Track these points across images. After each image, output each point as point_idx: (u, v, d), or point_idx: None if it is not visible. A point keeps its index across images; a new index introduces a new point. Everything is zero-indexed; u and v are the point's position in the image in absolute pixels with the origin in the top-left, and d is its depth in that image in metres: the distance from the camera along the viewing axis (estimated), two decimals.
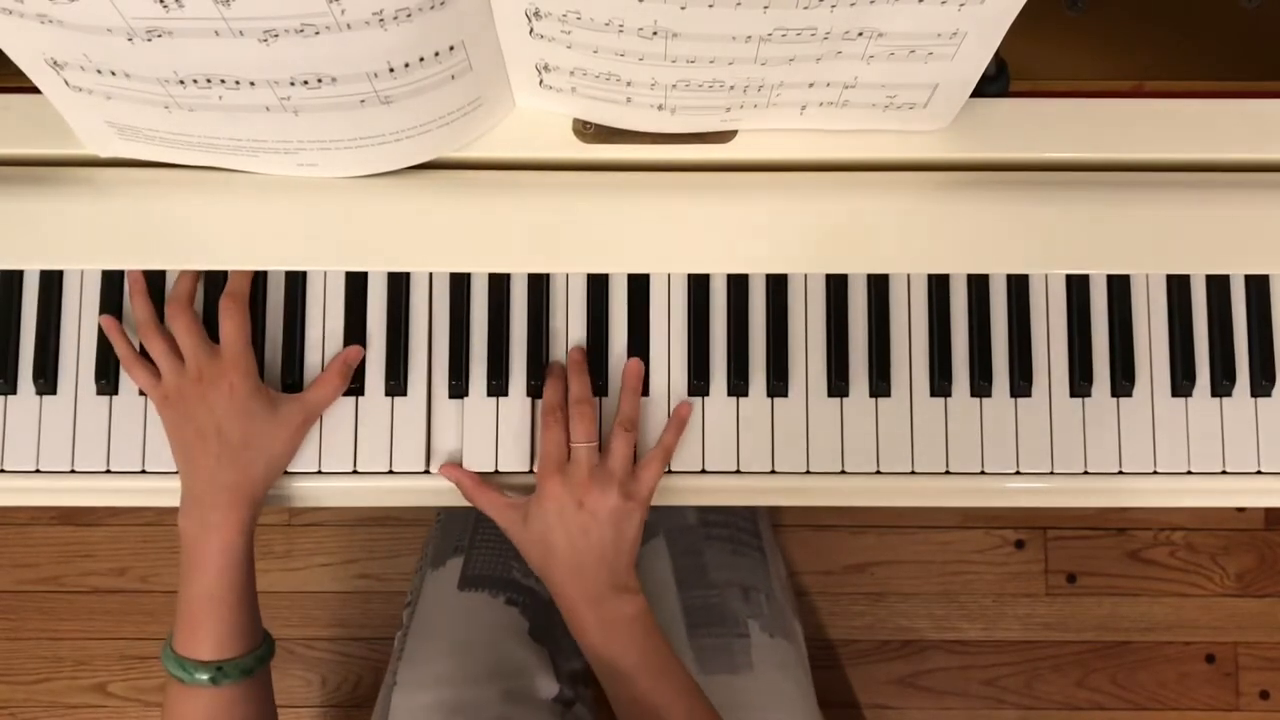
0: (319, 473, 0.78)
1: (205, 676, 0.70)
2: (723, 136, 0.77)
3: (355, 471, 0.77)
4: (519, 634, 0.92)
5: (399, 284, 0.79)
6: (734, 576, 0.96)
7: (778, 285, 0.79)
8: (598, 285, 0.79)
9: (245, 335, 0.73)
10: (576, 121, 0.76)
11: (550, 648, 0.93)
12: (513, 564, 0.96)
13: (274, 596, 1.50)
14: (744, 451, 0.78)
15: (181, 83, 0.63)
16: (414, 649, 0.92)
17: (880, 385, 0.78)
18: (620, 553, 0.73)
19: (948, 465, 0.78)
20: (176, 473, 0.76)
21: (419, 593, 0.97)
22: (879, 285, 0.79)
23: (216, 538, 0.71)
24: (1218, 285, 0.80)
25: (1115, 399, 0.79)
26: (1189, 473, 0.79)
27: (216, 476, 0.72)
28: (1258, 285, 0.80)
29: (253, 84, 0.63)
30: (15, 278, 0.78)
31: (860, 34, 0.63)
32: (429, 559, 1.00)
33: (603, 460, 0.74)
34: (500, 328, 0.78)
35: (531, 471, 0.78)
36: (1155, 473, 0.78)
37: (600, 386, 0.78)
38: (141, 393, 0.77)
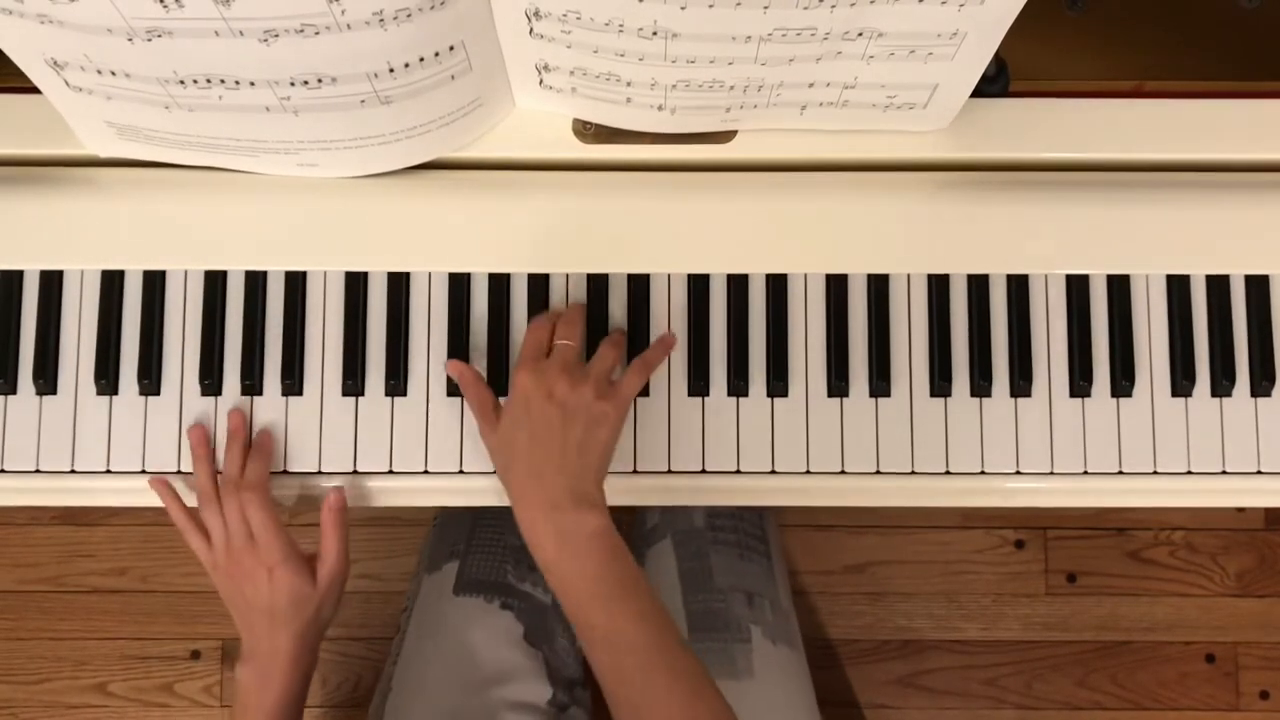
0: (319, 473, 0.78)
1: None
2: (723, 136, 0.77)
3: (355, 472, 0.77)
4: (514, 639, 0.92)
5: (399, 284, 0.79)
6: (739, 582, 0.96)
7: (778, 285, 0.79)
8: (598, 285, 0.79)
9: (275, 523, 0.74)
10: (576, 121, 0.76)
11: (545, 652, 0.93)
12: (508, 568, 0.95)
13: None
14: (744, 451, 0.78)
15: (181, 83, 0.63)
16: (409, 654, 0.92)
17: (880, 385, 0.78)
18: (586, 456, 0.70)
19: (948, 465, 0.78)
20: (176, 472, 0.77)
21: (415, 597, 0.97)
22: (879, 285, 0.79)
23: (275, 689, 0.74)
24: (1218, 285, 0.79)
25: (1115, 399, 0.79)
26: (1189, 473, 0.78)
27: (274, 641, 0.74)
28: (1258, 285, 0.80)
29: (253, 84, 0.63)
30: (15, 278, 0.78)
31: (860, 34, 0.63)
32: (425, 564, 1.00)
33: (584, 362, 0.73)
34: (500, 328, 0.78)
35: None
36: (1155, 473, 0.78)
37: None
38: (142, 393, 0.77)
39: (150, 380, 0.77)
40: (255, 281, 0.78)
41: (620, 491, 0.76)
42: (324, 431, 0.78)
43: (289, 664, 0.75)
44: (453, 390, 0.78)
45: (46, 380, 0.77)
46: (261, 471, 0.75)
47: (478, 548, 0.97)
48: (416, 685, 0.89)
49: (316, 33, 0.59)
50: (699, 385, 0.78)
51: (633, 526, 1.06)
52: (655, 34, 0.62)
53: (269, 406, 0.78)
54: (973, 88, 0.70)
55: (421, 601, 0.96)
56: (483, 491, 0.77)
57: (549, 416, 0.70)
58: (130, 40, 0.59)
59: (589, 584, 0.68)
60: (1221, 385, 0.79)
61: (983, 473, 0.78)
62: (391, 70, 0.63)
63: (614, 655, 0.67)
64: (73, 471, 0.77)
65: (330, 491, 0.77)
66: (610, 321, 0.79)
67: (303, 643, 0.75)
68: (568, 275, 0.79)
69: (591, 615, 0.68)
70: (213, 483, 0.76)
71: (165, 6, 0.56)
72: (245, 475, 0.75)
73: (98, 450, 0.77)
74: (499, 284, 0.79)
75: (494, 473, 0.77)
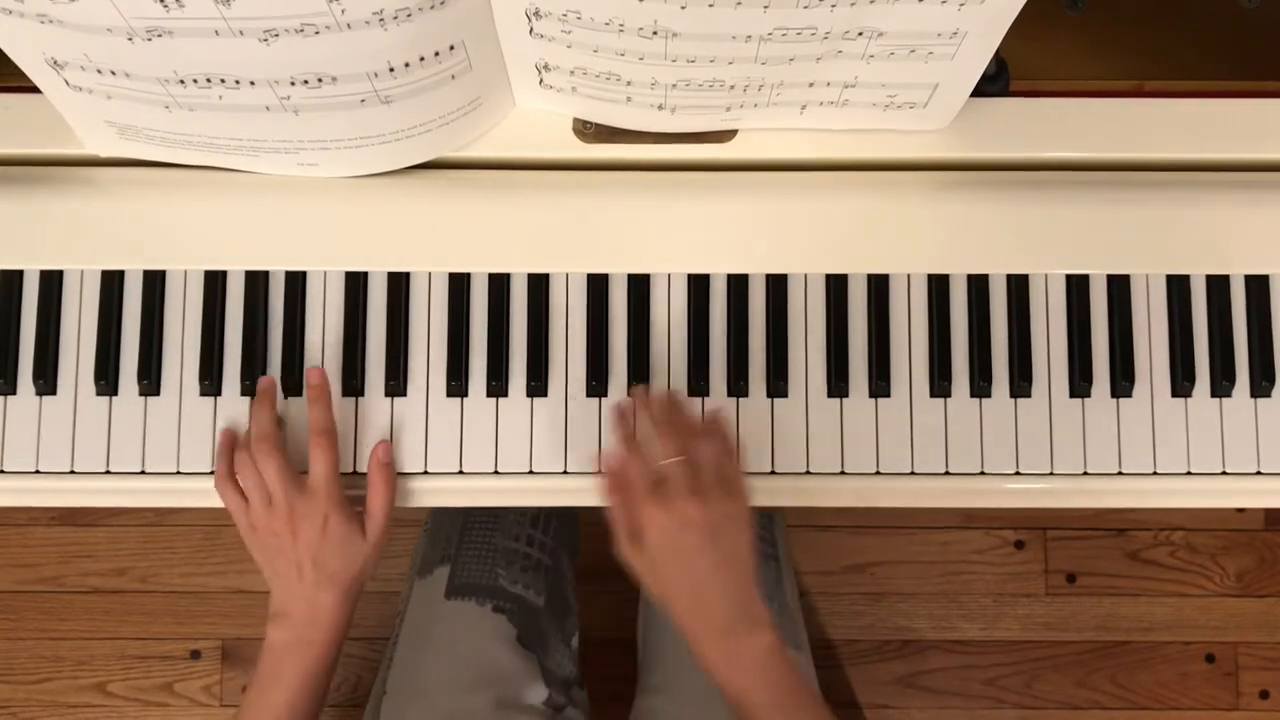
0: None
1: None
2: (723, 136, 0.77)
3: (355, 473, 0.77)
4: (507, 641, 0.91)
5: (399, 284, 0.79)
6: None
7: (778, 285, 0.79)
8: (598, 285, 0.79)
9: (336, 470, 0.73)
10: (576, 121, 0.76)
11: (539, 654, 0.92)
12: (499, 571, 0.95)
13: None
14: (744, 452, 0.78)
15: (182, 82, 0.63)
16: (403, 658, 0.91)
17: (880, 385, 0.78)
18: (739, 563, 0.69)
19: (948, 465, 0.78)
20: (176, 473, 0.77)
21: (407, 602, 0.97)
22: (879, 285, 0.79)
23: (311, 652, 0.72)
24: (1218, 285, 0.79)
25: (1115, 399, 0.79)
26: (1189, 473, 0.78)
27: (316, 600, 0.72)
28: (1258, 285, 0.80)
29: (253, 84, 0.63)
30: (15, 278, 0.78)
31: (860, 33, 0.63)
32: (416, 568, 1.00)
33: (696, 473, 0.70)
34: (500, 328, 0.78)
35: (531, 472, 0.78)
36: (1155, 473, 0.78)
37: (599, 388, 0.78)
38: (142, 394, 0.77)
39: (150, 381, 0.77)
40: (255, 281, 0.78)
41: None
42: None
43: (330, 624, 0.72)
44: (452, 391, 0.78)
45: (46, 380, 0.77)
46: (330, 417, 0.75)
47: (468, 551, 0.97)
48: (411, 689, 0.89)
49: (316, 32, 0.59)
50: (699, 385, 0.78)
51: None
52: (655, 33, 0.62)
53: None
54: (973, 87, 0.70)
55: (413, 606, 0.96)
56: (482, 492, 0.77)
57: (695, 543, 0.68)
58: (130, 40, 0.59)
59: (761, 703, 0.68)
60: (1221, 386, 0.79)
61: (983, 473, 0.78)
62: (392, 70, 0.63)
63: None
64: (72, 472, 0.77)
65: (377, 445, 0.76)
66: (610, 321, 0.78)
67: (347, 602, 0.73)
68: (568, 275, 0.79)
69: None
70: (248, 449, 0.74)
71: (165, 6, 0.56)
72: (317, 423, 0.74)
73: (97, 451, 0.77)
74: (499, 284, 0.79)
75: (493, 473, 0.77)
